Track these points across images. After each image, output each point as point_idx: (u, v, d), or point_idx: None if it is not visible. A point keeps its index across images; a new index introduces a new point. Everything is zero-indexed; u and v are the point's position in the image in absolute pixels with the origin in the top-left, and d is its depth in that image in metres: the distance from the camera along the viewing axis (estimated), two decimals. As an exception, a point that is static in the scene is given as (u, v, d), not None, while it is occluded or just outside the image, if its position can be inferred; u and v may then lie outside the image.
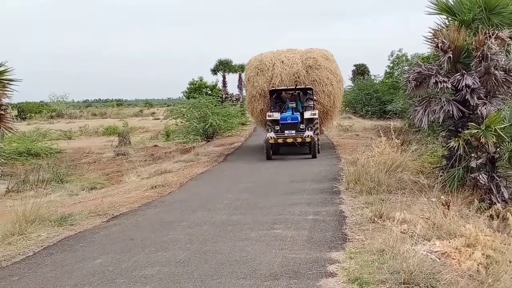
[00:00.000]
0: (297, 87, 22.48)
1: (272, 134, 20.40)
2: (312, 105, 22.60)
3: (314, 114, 21.71)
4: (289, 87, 22.76)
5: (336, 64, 24.85)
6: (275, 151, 21.33)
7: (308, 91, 23.29)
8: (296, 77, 23.21)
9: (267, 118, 21.98)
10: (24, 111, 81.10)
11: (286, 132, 20.73)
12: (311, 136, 19.98)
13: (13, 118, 13.44)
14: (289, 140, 20.38)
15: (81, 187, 20.43)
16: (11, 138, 23.95)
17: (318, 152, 21.00)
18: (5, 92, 11.39)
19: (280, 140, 20.38)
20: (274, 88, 22.98)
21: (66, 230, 10.20)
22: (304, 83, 23.14)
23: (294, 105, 21.69)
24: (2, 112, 11.51)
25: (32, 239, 9.49)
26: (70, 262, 7.87)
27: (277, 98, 23.45)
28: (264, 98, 23.75)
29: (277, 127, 21.06)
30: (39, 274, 7.33)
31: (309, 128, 20.78)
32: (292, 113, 21.29)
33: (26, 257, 8.30)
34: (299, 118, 21.22)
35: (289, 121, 20.89)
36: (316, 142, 20.55)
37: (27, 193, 18.03)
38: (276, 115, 21.61)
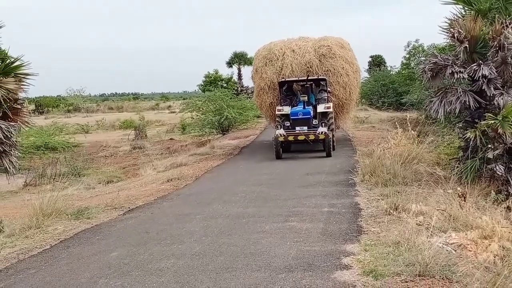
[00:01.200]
0: (309, 78, 20.23)
1: (281, 131, 18.33)
2: (326, 98, 20.41)
3: (329, 108, 19.65)
4: (300, 78, 20.49)
5: (353, 53, 22.62)
6: (286, 148, 19.49)
7: (321, 82, 20.93)
8: (308, 67, 21.19)
9: (277, 112, 19.90)
10: (41, 105, 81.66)
11: (298, 128, 18.69)
12: (325, 132, 18.05)
13: (30, 112, 13.50)
14: (301, 138, 18.29)
15: (98, 181, 20.54)
16: (28, 132, 24.13)
17: (333, 150, 19.13)
18: (21, 86, 11.42)
19: (290, 138, 18.40)
20: (283, 80, 20.75)
21: (82, 223, 10.27)
22: (317, 73, 20.98)
23: (305, 98, 19.17)
24: (19, 107, 11.54)
25: (49, 232, 9.56)
26: (87, 255, 7.92)
27: (287, 91, 21.35)
28: (273, 91, 21.64)
29: (287, 123, 18.97)
30: (56, 267, 7.38)
31: (323, 124, 18.49)
32: (304, 107, 19.03)
33: (43, 250, 8.36)
34: (311, 112, 18.99)
35: (300, 116, 18.78)
36: (331, 139, 18.68)
37: (45, 186, 18.18)
38: (287, 109, 19.58)
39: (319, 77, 20.69)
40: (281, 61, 21.49)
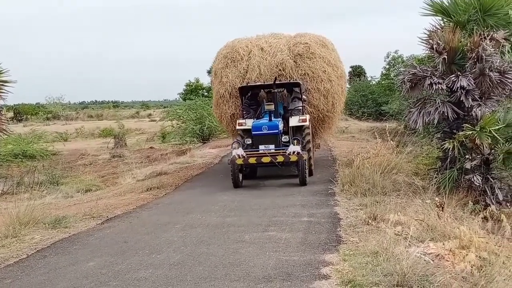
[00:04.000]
0: (277, 82, 15.51)
1: (240, 151, 14.06)
2: (300, 108, 16.05)
3: (304, 121, 15.29)
4: (266, 83, 16.01)
5: (337, 54, 18.02)
6: (250, 173, 15.78)
7: (294, 89, 16.45)
8: (280, 70, 16.63)
9: (237, 127, 15.70)
10: (20, 113, 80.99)
11: (262, 147, 14.43)
12: (298, 152, 13.76)
13: (8, 120, 13.42)
14: (266, 160, 13.89)
15: (76, 189, 20.35)
16: (6, 140, 23.90)
17: (311, 175, 15.30)
18: (0, 94, 11.36)
19: (252, 160, 14.01)
20: (246, 85, 16.32)
21: (60, 232, 10.18)
22: (291, 77, 16.59)
23: (272, 107, 14.79)
24: (-3, 114, 11.48)
25: (25, 241, 9.47)
26: (64, 265, 7.85)
27: (252, 99, 16.78)
28: (236, 99, 16.96)
29: (249, 140, 15.00)
30: (32, 277, 7.31)
31: (296, 141, 14.18)
32: (270, 120, 14.68)
33: (20, 260, 8.28)
34: (280, 126, 14.81)
35: (265, 131, 14.51)
36: (306, 162, 14.19)
37: (22, 195, 17.97)
38: (250, 123, 15.28)
39: (292, 82, 16.23)
40: (246, 62, 16.97)
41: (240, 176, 14.48)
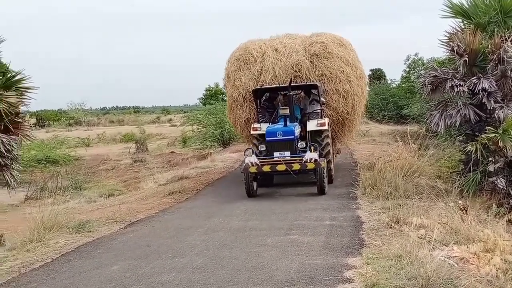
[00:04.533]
0: (292, 84, 14.40)
1: (253, 159, 12.98)
2: (319, 111, 15.02)
3: (323, 125, 14.28)
4: (281, 85, 15.06)
5: (355, 54, 16.84)
6: (265, 181, 14.46)
7: (312, 91, 15.51)
8: (296, 71, 15.57)
9: (252, 132, 14.66)
10: (43, 119, 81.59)
11: (277, 154, 13.20)
12: (315, 160, 12.64)
13: (31, 126, 13.54)
14: (281, 168, 12.84)
15: (99, 194, 20.48)
16: (30, 145, 24.09)
17: (331, 182, 14.37)
18: (22, 100, 11.48)
19: (266, 168, 12.89)
20: (258, 88, 15.36)
21: (84, 236, 10.25)
22: (307, 78, 15.52)
23: (287, 111, 13.80)
24: (20, 120, 11.60)
25: (50, 245, 9.54)
26: (88, 268, 7.90)
27: (269, 102, 16.07)
28: (250, 103, 16.02)
29: (263, 147, 13.74)
30: (57, 281, 7.36)
31: (313, 148, 13.12)
32: (285, 125, 13.64)
33: (45, 264, 8.34)
34: (296, 131, 13.59)
35: (280, 137, 13.33)
36: (324, 170, 13.09)
37: (46, 200, 18.14)
38: (265, 127, 14.23)
39: (308, 83, 15.26)
40: (260, 64, 15.91)
41: (254, 184, 13.46)
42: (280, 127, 13.63)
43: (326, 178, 13.26)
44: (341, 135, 17.15)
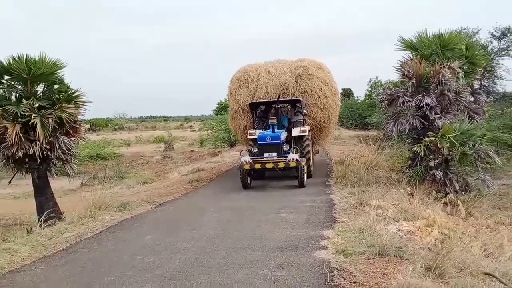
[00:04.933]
0: (281, 99, 14.52)
1: (247, 158, 12.76)
2: (302, 120, 14.80)
3: (304, 131, 14.20)
4: (271, 100, 14.95)
5: (331, 76, 16.73)
6: (259, 175, 14.19)
7: (297, 104, 15.38)
8: (284, 89, 15.61)
9: (248, 136, 14.60)
10: (94, 125, 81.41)
11: (266, 154, 13.03)
12: (296, 159, 12.39)
13: (86, 130, 13.56)
14: (269, 166, 12.62)
15: (136, 182, 20.50)
16: (84, 145, 24.11)
17: (310, 177, 13.96)
18: (79, 110, 11.50)
19: (257, 166, 12.68)
20: (254, 101, 15.25)
21: (124, 214, 10.24)
22: (293, 94, 15.48)
23: (275, 120, 13.71)
24: (78, 126, 11.63)
25: (99, 220, 9.55)
26: (127, 238, 7.91)
27: (264, 113, 15.81)
28: (247, 114, 15.93)
29: (255, 149, 13.56)
30: (104, 247, 7.37)
31: (295, 150, 12.75)
32: (273, 131, 13.47)
33: (95, 234, 8.35)
34: (281, 136, 13.30)
35: (268, 141, 13.14)
36: (304, 167, 12.78)
37: (96, 186, 18.16)
38: (258, 133, 14.06)
39: (293, 98, 15.14)
40: (255, 83, 15.88)
41: (249, 178, 13.06)
42: (269, 133, 13.32)
43: (305, 174, 12.87)
44: (319, 139, 16.72)
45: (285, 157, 12.54)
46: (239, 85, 16.06)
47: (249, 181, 13.01)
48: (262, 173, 14.23)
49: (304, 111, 14.97)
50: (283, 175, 13.60)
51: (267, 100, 15.04)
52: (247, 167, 12.53)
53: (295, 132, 14.18)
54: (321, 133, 16.27)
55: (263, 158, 12.88)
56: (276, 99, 14.13)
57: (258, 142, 13.28)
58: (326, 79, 15.88)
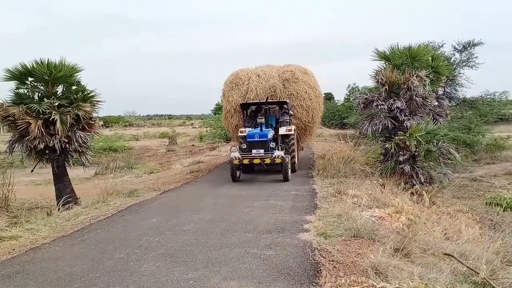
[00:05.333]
0: (269, 100, 14.21)
1: (236, 154, 12.29)
2: (288, 120, 14.29)
3: (290, 130, 13.62)
4: (260, 101, 14.52)
5: (315, 80, 16.16)
6: (249, 169, 13.75)
7: (284, 106, 14.68)
8: (272, 91, 15.15)
9: (239, 134, 14.04)
10: (107, 122, 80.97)
11: (254, 151, 12.46)
12: (281, 156, 11.90)
13: (100, 126, 13.48)
14: (256, 161, 12.18)
15: (144, 172, 20.43)
16: (98, 139, 23.96)
17: (294, 172, 13.45)
18: (94, 109, 11.43)
19: (245, 161, 12.18)
20: (245, 102, 14.76)
21: (133, 199, 10.22)
22: (280, 97, 15.00)
23: (263, 120, 13.13)
24: (93, 122, 11.55)
25: (110, 205, 9.52)
26: (135, 220, 7.89)
27: (255, 113, 15.21)
28: (239, 113, 15.42)
29: (244, 146, 12.79)
30: (115, 228, 7.35)
31: (280, 147, 12.50)
32: (261, 130, 12.80)
33: (107, 217, 8.32)
34: (268, 135, 12.67)
35: (256, 139, 12.54)
36: (288, 163, 12.19)
37: (108, 175, 18.06)
38: (248, 131, 13.38)
39: (281, 100, 14.65)
40: (246, 85, 15.42)
41: (238, 172, 12.55)
42: (258, 132, 12.67)
43: (290, 169, 12.21)
44: (304, 138, 16.12)
45: (271, 153, 12.09)
46: (232, 87, 15.59)
47: (238, 174, 12.51)
48: (252, 167, 13.83)
49: (291, 112, 14.55)
50: (271, 170, 13.36)
51: (256, 101, 14.66)
52: (236, 162, 12.08)
53: (282, 131, 13.62)
54: (305, 132, 15.82)
55: (251, 154, 12.36)
56: (264, 101, 13.78)
57: (247, 140, 12.67)
58: (311, 82, 15.46)
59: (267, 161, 11.87)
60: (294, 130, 13.93)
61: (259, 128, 13.01)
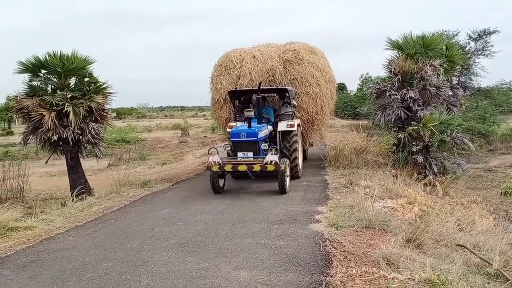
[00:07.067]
0: (263, 87, 10.98)
1: (215, 158, 8.95)
2: (290, 113, 11.04)
3: (292, 126, 10.42)
4: (253, 88, 11.15)
5: (326, 61, 13.06)
6: (240, 175, 9.97)
7: (286, 94, 11.20)
8: (270, 75, 12.11)
9: (227, 130, 10.71)
10: (120, 114, 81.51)
11: (240, 154, 9.23)
12: (275, 162, 8.61)
13: (112, 118, 13.59)
14: (242, 168, 8.81)
15: (156, 163, 20.57)
16: (111, 131, 24.16)
17: (297, 178, 10.52)
18: (106, 100, 11.50)
19: (228, 168, 8.90)
20: (233, 89, 11.47)
21: (145, 190, 10.31)
22: (280, 82, 11.97)
23: (251, 113, 9.57)
24: (105, 114, 11.63)
25: (123, 196, 9.62)
26: (148, 211, 7.96)
27: (245, 103, 11.49)
28: (230, 104, 12.17)
29: (228, 147, 9.71)
30: (128, 219, 7.42)
31: (274, 150, 8.89)
32: (249, 126, 9.37)
33: (119, 208, 8.41)
34: (259, 133, 9.30)
35: (243, 138, 9.15)
36: (286, 171, 9.00)
37: (121, 166, 18.23)
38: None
39: (279, 87, 11.40)
40: (238, 69, 12.33)
41: (221, 181, 9.55)
42: (244, 128, 9.38)
43: (288, 178, 9.20)
44: (311, 133, 13.08)
45: (262, 158, 8.93)
46: (221, 72, 12.62)
47: (221, 184, 9.50)
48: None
49: (294, 102, 11.49)
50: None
51: (247, 88, 11.55)
52: (215, 168, 8.93)
53: (281, 126, 10.52)
54: (313, 126, 12.82)
55: (236, 158, 9.22)
56: (257, 87, 10.10)
57: (231, 139, 9.41)
58: (320, 64, 12.49)
59: (256, 168, 8.72)
60: (298, 125, 11.07)
61: (254, 123, 9.80)
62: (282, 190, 8.88)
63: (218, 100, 12.72)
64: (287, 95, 11.21)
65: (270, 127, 10.54)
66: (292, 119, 10.86)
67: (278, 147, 9.78)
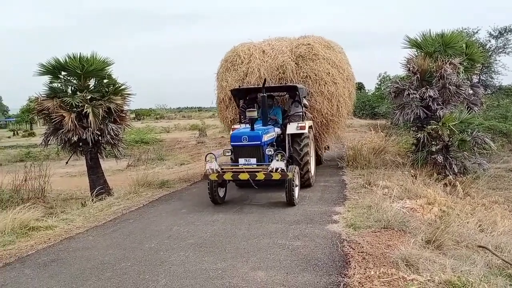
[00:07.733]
0: (273, 85, 10.21)
1: (213, 165, 7.87)
2: (300, 113, 9.77)
3: (303, 128, 9.24)
4: (258, 86, 9.98)
5: (345, 57, 11.86)
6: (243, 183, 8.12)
7: (296, 92, 9.82)
8: (280, 72, 10.97)
9: (231, 132, 9.06)
10: (139, 115, 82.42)
11: (242, 160, 8.05)
12: (281, 170, 7.47)
13: (131, 119, 13.72)
14: (243, 177, 7.61)
15: (175, 163, 20.68)
16: (130, 131, 24.41)
17: (309, 186, 9.39)
18: (125, 102, 11.61)
19: (228, 176, 7.75)
20: (236, 88, 10.31)
21: (164, 190, 10.38)
22: (291, 80, 10.87)
23: (254, 114, 8.26)
24: (124, 115, 11.74)
25: (142, 196, 9.70)
26: (166, 211, 8.00)
27: (252, 103, 10.28)
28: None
29: (228, 152, 8.42)
30: (146, 219, 7.48)
31: (280, 155, 7.61)
32: (252, 129, 8.13)
33: (138, 208, 8.48)
34: (263, 136, 8.07)
35: (244, 143, 8.00)
36: (295, 179, 7.71)
37: (140, 167, 18.38)
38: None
39: (288, 85, 10.10)
40: (246, 65, 11.15)
41: (221, 191, 8.40)
42: (247, 131, 8.18)
43: (297, 187, 7.97)
44: (325, 137, 11.71)
45: (267, 164, 7.79)
46: (227, 68, 11.52)
47: (221, 194, 8.38)
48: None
49: (305, 101, 10.29)
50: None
51: (252, 86, 10.51)
52: (213, 177, 7.85)
53: (291, 129, 9.34)
54: (327, 129, 11.50)
55: (237, 165, 8.06)
56: (262, 85, 8.76)
57: (231, 144, 8.25)
58: (336, 60, 11.24)
59: (260, 176, 7.58)
60: (310, 127, 10.02)
61: (259, 125, 8.77)
62: (290, 202, 7.73)
63: (223, 99, 11.64)
64: (297, 93, 9.83)
65: (277, 130, 9.36)
66: (302, 120, 9.69)
67: (286, 152, 8.87)
